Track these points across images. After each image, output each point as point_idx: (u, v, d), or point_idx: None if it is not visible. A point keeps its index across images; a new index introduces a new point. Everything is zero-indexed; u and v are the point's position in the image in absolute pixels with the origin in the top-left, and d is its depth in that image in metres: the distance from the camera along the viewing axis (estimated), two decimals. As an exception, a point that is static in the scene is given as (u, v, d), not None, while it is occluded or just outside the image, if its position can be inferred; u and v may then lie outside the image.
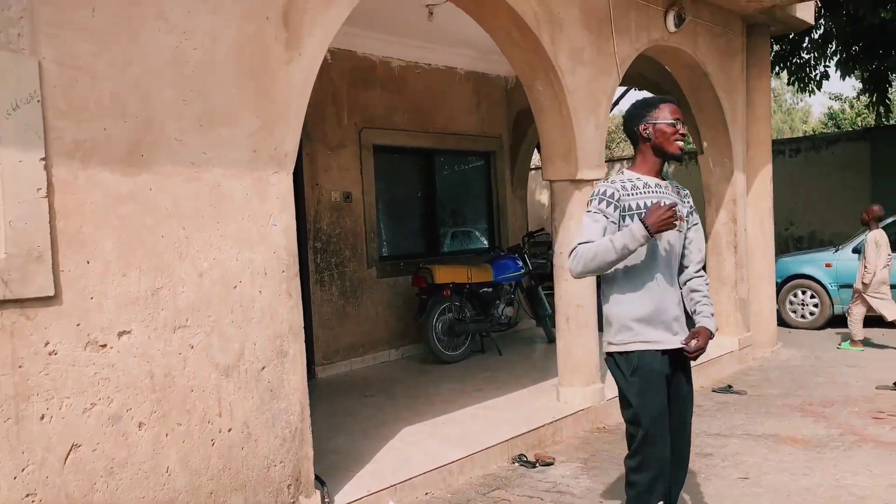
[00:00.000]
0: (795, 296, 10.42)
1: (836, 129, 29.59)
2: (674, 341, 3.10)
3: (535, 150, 10.82)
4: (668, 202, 3.03)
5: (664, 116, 3.10)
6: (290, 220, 3.87)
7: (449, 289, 7.74)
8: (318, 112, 7.53)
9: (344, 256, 7.79)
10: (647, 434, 3.03)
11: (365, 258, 7.99)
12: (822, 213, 15.03)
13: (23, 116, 2.92)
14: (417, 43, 8.35)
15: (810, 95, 14.27)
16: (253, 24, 3.69)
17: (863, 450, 5.06)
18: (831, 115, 31.37)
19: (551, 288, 6.09)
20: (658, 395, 3.06)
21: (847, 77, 13.69)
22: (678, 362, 3.16)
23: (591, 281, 5.88)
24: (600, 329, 6.08)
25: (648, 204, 3.08)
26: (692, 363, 3.25)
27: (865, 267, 8.25)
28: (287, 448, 3.83)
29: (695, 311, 3.25)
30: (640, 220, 2.96)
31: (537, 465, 5.01)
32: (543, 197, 17.86)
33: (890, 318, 8.23)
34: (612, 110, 16.20)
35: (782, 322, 10.15)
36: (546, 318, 8.65)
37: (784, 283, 10.41)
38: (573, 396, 5.86)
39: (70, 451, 3.05)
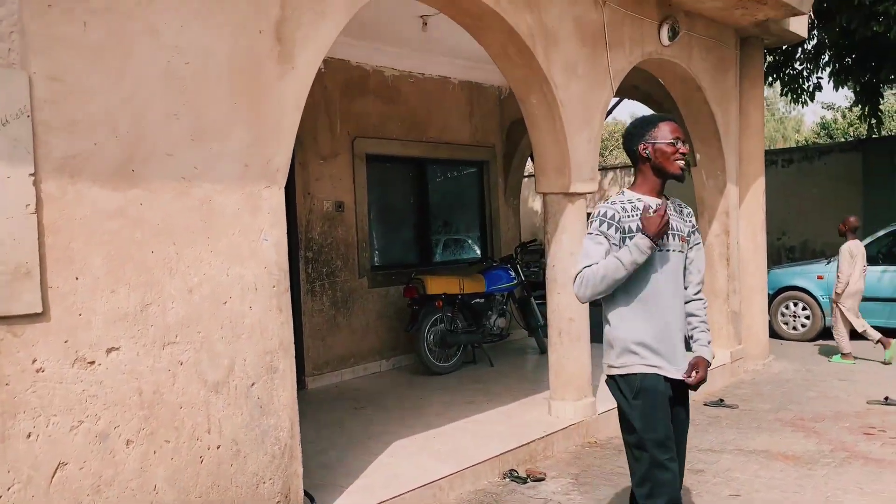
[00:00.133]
0: (787, 307, 10.43)
1: (828, 139, 29.74)
2: (674, 372, 3.02)
3: (529, 159, 10.81)
4: (652, 206, 3.00)
5: (664, 135, 3.05)
6: (281, 234, 3.85)
7: (441, 300, 7.72)
8: (310, 121, 7.51)
9: (335, 266, 7.76)
10: (654, 459, 2.94)
11: (356, 268, 7.96)
12: (815, 223, 15.08)
13: (12, 131, 2.90)
14: (411, 52, 8.34)
15: (803, 106, 14.32)
16: (246, 38, 3.68)
17: (854, 466, 5.06)
18: (824, 125, 31.53)
19: (544, 297, 6.07)
20: (663, 418, 2.98)
21: (840, 88, 13.75)
22: (676, 388, 3.09)
23: (583, 294, 5.86)
24: (593, 341, 6.13)
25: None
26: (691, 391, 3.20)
27: (838, 277, 8.39)
28: (276, 465, 3.80)
29: (692, 336, 3.18)
30: (640, 231, 2.94)
31: (528, 480, 4.99)
32: (537, 204, 17.88)
33: (859, 330, 8.43)
34: (605, 118, 16.19)
35: (774, 334, 10.15)
36: (538, 329, 8.64)
37: (776, 295, 10.42)
38: (565, 410, 5.84)
39: (57, 469, 3.02)
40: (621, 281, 2.95)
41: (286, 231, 3.90)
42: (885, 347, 8.49)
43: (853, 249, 8.36)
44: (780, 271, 10.73)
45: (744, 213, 8.39)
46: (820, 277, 10.19)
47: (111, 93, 3.20)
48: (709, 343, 3.16)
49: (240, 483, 3.64)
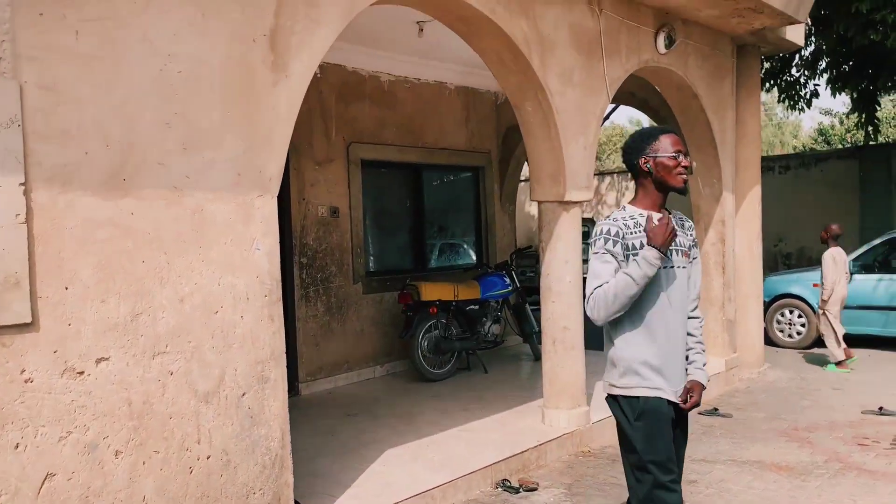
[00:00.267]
0: (783, 315, 10.43)
1: (826, 146, 29.78)
2: (672, 394, 2.97)
3: (526, 164, 10.80)
4: (655, 218, 2.94)
5: (665, 148, 2.97)
6: (273, 244, 3.84)
7: (435, 306, 7.70)
8: (306, 126, 7.50)
9: (330, 272, 7.74)
10: (657, 482, 2.90)
11: (351, 274, 7.94)
12: (812, 230, 15.04)
13: (2, 141, 2.88)
14: (407, 57, 8.32)
15: (800, 113, 14.34)
16: (239, 46, 3.66)
17: (847, 478, 5.05)
18: (821, 131, 31.57)
19: (539, 303, 6.05)
20: (666, 440, 2.93)
21: (837, 95, 13.76)
22: (676, 407, 3.03)
23: (577, 303, 5.86)
24: (587, 348, 6.12)
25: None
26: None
27: (823, 284, 8.50)
28: (267, 475, 3.78)
29: (687, 357, 3.10)
30: (648, 244, 2.86)
31: (521, 490, 4.97)
32: (534, 209, 17.86)
33: (828, 342, 8.57)
34: (601, 126, 16.18)
35: (770, 341, 10.16)
36: (533, 336, 8.63)
37: (772, 303, 10.43)
38: (558, 419, 5.83)
39: (45, 480, 3.00)
40: (635, 297, 2.87)
41: (279, 239, 3.89)
42: (839, 366, 8.55)
43: (836, 256, 8.47)
44: (775, 279, 10.73)
45: (740, 221, 8.39)
46: (816, 285, 10.15)
47: (103, 101, 3.18)
48: (704, 365, 3.12)
49: (230, 494, 3.62)
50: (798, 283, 10.39)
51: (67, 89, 3.08)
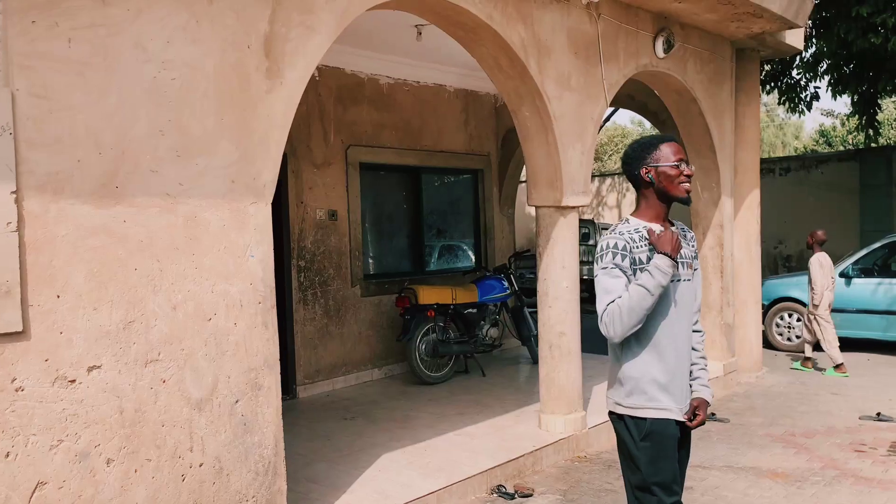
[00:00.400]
0: (782, 318, 10.41)
1: (827, 147, 29.75)
2: (677, 414, 2.89)
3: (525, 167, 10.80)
4: (656, 230, 2.88)
5: (666, 157, 2.88)
6: (267, 251, 3.83)
7: (433, 309, 7.70)
8: (304, 129, 7.50)
9: (328, 275, 7.74)
10: (660, 503, 2.85)
11: (349, 277, 7.94)
12: (812, 232, 15.06)
13: (-7, 149, 2.87)
14: (406, 60, 8.32)
15: (800, 116, 14.32)
16: (233, 53, 3.66)
17: (843, 486, 5.03)
18: (823, 133, 31.54)
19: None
20: (671, 461, 2.86)
21: (838, 97, 13.75)
22: (681, 426, 2.96)
23: (573, 307, 5.85)
24: (584, 352, 6.11)
25: None
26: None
27: (813, 289, 8.52)
28: (260, 482, 3.78)
29: (691, 373, 3.02)
30: (657, 252, 2.79)
31: (516, 496, 4.96)
32: (533, 209, 17.84)
33: (811, 340, 8.68)
34: (599, 129, 16.14)
35: (769, 345, 10.16)
36: (531, 339, 8.62)
37: (770, 306, 10.41)
38: (555, 424, 5.82)
39: (35, 489, 3.00)
40: (650, 310, 2.77)
41: (277, 242, 3.88)
42: (837, 370, 8.57)
43: (822, 261, 8.52)
44: (774, 282, 10.71)
45: (738, 224, 8.38)
46: (814, 289, 10.17)
47: (95, 109, 3.18)
48: (708, 381, 3.06)
49: (223, 501, 3.61)
50: (797, 286, 10.37)
51: (60, 97, 3.07)
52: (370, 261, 8.46)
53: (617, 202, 21.12)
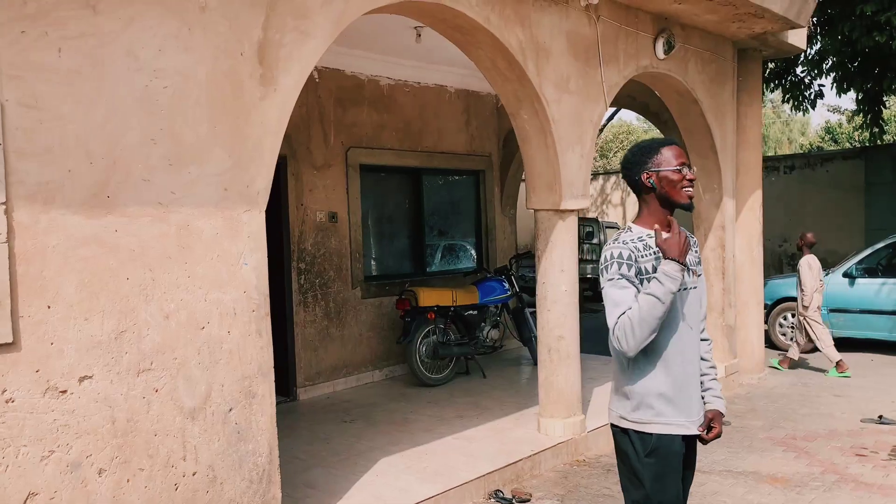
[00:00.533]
0: (785, 318, 10.37)
1: (833, 144, 29.64)
2: (691, 428, 2.79)
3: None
4: (663, 235, 2.74)
5: (668, 161, 2.77)
6: (261, 258, 3.82)
7: (433, 312, 7.68)
8: (304, 132, 7.49)
9: (328, 277, 7.73)
10: None
11: (350, 279, 7.93)
12: (816, 230, 14.94)
13: (-18, 160, 2.87)
14: (407, 61, 8.30)
15: (804, 114, 14.25)
16: (226, 60, 3.64)
17: (843, 491, 5.01)
18: (828, 129, 31.42)
19: (538, 305, 6.03)
20: (676, 479, 2.78)
21: (842, 95, 13.66)
22: (688, 441, 2.88)
23: (572, 311, 5.83)
24: (583, 352, 6.09)
25: None
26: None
27: (803, 291, 8.60)
28: (254, 490, 3.77)
29: (702, 384, 2.92)
30: (664, 257, 2.67)
31: (514, 501, 4.95)
32: (537, 209, 17.77)
33: (822, 348, 8.62)
34: (601, 132, 16.03)
35: (772, 345, 10.12)
36: (532, 340, 8.59)
37: (774, 306, 10.37)
38: (554, 428, 5.80)
39: (26, 500, 2.99)
40: (662, 319, 2.63)
41: (266, 252, 3.87)
42: (839, 369, 8.58)
43: (811, 264, 8.62)
44: (778, 282, 10.67)
45: (740, 225, 8.34)
46: (818, 289, 10.12)
47: (86, 118, 3.17)
48: (720, 391, 2.98)
49: (216, 510, 3.61)
50: (801, 286, 10.32)
51: (50, 107, 3.06)
52: (371, 263, 8.45)
53: (621, 200, 21.07)
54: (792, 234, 15.06)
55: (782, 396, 7.71)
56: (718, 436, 2.86)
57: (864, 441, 6.09)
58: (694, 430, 2.80)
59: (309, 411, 6.99)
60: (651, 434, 2.76)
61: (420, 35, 7.04)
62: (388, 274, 8.59)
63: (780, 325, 10.41)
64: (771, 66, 13.66)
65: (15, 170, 2.96)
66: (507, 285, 8.51)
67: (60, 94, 3.09)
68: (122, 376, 3.28)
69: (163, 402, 3.42)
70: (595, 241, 18.14)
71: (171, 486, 3.45)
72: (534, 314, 8.16)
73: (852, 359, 9.31)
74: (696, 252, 2.91)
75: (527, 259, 9.84)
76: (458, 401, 7.13)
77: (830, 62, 13.44)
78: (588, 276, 16.08)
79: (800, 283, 8.68)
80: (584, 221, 17.87)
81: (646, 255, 2.75)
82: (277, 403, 7.03)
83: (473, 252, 9.82)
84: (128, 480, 3.30)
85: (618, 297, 2.69)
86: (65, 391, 3.10)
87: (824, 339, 8.58)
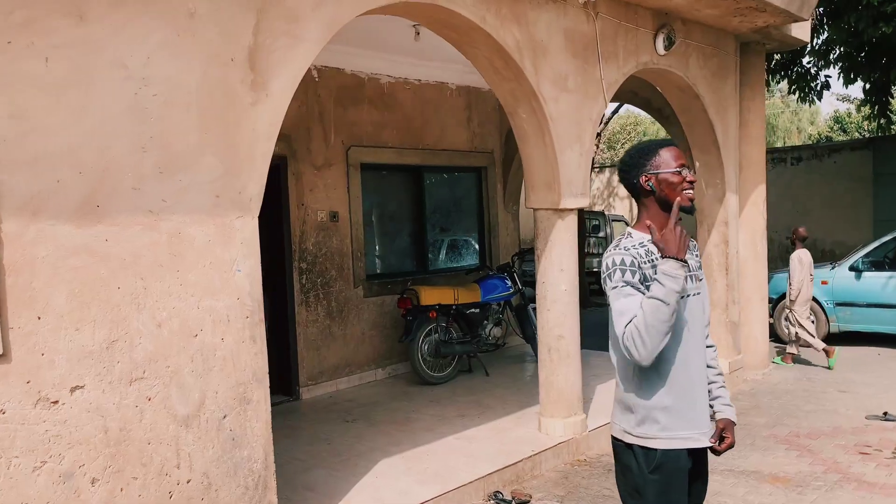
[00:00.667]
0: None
1: (842, 133, 29.43)
2: (702, 440, 2.68)
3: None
4: (670, 226, 2.59)
5: (667, 163, 2.66)
6: (255, 264, 3.81)
7: (434, 310, 7.67)
8: (304, 131, 7.47)
9: (330, 276, 7.73)
10: None
11: (352, 278, 7.92)
12: (824, 221, 14.94)
13: (-30, 173, 2.86)
14: (407, 59, 8.26)
15: (810, 105, 14.14)
16: (217, 67, 3.63)
17: (845, 491, 4.98)
18: (837, 119, 31.21)
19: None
20: (681, 494, 2.67)
21: (849, 85, 13.57)
22: (698, 453, 2.76)
23: (572, 310, 5.81)
24: (584, 347, 6.06)
25: None
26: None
27: (791, 285, 8.77)
28: (250, 497, 3.77)
29: (710, 392, 2.81)
30: (662, 256, 2.55)
31: (513, 502, 4.94)
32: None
33: (804, 337, 8.76)
34: (606, 125, 15.97)
35: (778, 339, 10.06)
36: (535, 337, 8.54)
37: (780, 300, 10.30)
38: (554, 428, 5.79)
39: (19, 510, 3.00)
40: (670, 322, 2.49)
41: (260, 258, 3.86)
42: (828, 356, 8.68)
43: (802, 258, 8.75)
44: (783, 275, 10.59)
45: (743, 221, 8.28)
46: (824, 283, 10.06)
47: (75, 128, 3.16)
48: (729, 398, 2.87)
49: (211, 517, 3.61)
50: (806, 280, 10.26)
51: (37, 117, 3.05)
52: (373, 261, 8.43)
53: (628, 193, 20.96)
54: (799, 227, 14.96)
55: (786, 392, 7.66)
56: (731, 446, 2.75)
57: (868, 438, 6.05)
58: (705, 443, 2.69)
59: (311, 411, 6.99)
60: (656, 450, 2.65)
61: (419, 33, 7.01)
62: (391, 272, 8.58)
63: (787, 319, 10.34)
64: (777, 57, 13.56)
65: (2, 181, 2.95)
66: (509, 282, 8.48)
67: (48, 104, 3.09)
68: (114, 386, 3.28)
69: (156, 410, 3.42)
70: (601, 234, 18.08)
71: (166, 494, 3.45)
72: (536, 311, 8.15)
73: (860, 353, 9.27)
74: (696, 256, 2.81)
75: (530, 255, 9.80)
76: (460, 399, 7.12)
77: (837, 52, 13.33)
78: (595, 269, 16.04)
79: (790, 277, 8.83)
80: (590, 214, 17.82)
81: (648, 261, 2.64)
82: (280, 403, 7.15)
83: (477, 249, 9.79)
84: (121, 489, 3.30)
85: (622, 307, 2.58)
86: (56, 402, 3.11)
87: (809, 328, 8.75)
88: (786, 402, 7.31)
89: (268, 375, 3.89)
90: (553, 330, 5.77)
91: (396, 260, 8.77)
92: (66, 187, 3.13)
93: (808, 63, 13.90)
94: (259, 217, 3.84)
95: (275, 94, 3.87)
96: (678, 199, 2.66)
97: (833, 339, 9.96)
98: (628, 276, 2.59)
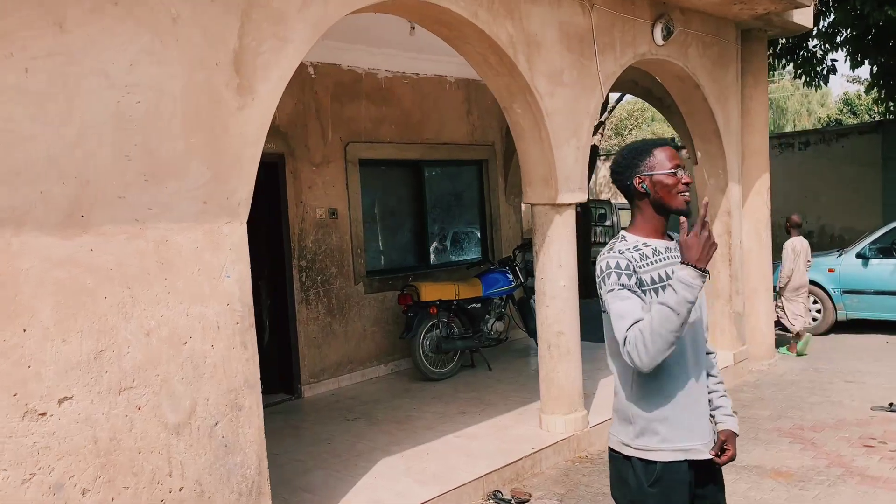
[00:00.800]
0: (797, 300, 10.22)
1: (851, 116, 29.15)
2: (703, 451, 2.57)
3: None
4: (696, 230, 2.43)
5: (661, 164, 2.57)
6: (244, 270, 3.78)
7: (435, 306, 7.64)
8: (301, 128, 7.44)
9: (330, 273, 7.71)
10: None
11: (352, 274, 7.90)
12: (833, 206, 14.83)
13: (-50, 187, 2.84)
14: (404, 53, 8.19)
15: (816, 90, 13.99)
16: (201, 72, 3.59)
17: (847, 485, 4.93)
18: (847, 101, 30.91)
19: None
20: None
21: (856, 68, 13.42)
22: (703, 463, 2.62)
23: (572, 306, 5.77)
24: (584, 339, 6.02)
25: (669, 274, 2.54)
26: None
27: (782, 272, 8.93)
28: (244, 503, 3.76)
29: (710, 401, 2.73)
30: (682, 263, 2.38)
31: (512, 501, 4.92)
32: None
33: (796, 327, 8.92)
34: (611, 113, 15.80)
35: (784, 328, 9.98)
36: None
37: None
38: (555, 424, 5.76)
39: (9, 523, 3.00)
40: (679, 333, 2.36)
41: (249, 263, 3.83)
42: (798, 339, 8.91)
43: (796, 246, 8.86)
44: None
45: (747, 211, 8.20)
46: (831, 270, 9.99)
47: (57, 139, 3.13)
48: (731, 408, 2.78)
49: (204, 524, 3.60)
50: (813, 268, 10.14)
51: (18, 129, 3.03)
52: (373, 257, 8.39)
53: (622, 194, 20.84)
54: (807, 212, 14.84)
55: (791, 384, 7.60)
56: (732, 458, 2.64)
57: (872, 431, 5.99)
58: (705, 454, 2.58)
59: (312, 409, 6.99)
60: (656, 462, 2.55)
61: (413, 28, 6.94)
62: (391, 268, 8.55)
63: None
64: (782, 41, 13.42)
65: (-16, 194, 2.94)
66: (511, 276, 8.43)
67: (29, 114, 3.06)
68: (103, 396, 3.26)
69: (146, 419, 3.40)
70: (608, 223, 18.00)
71: (158, 502, 3.44)
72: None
73: (868, 341, 9.21)
74: None
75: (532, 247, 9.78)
76: (461, 396, 7.10)
77: (844, 35, 13.18)
78: (596, 266, 15.94)
79: (781, 263, 8.97)
80: (596, 203, 17.74)
81: (644, 266, 2.54)
82: (281, 402, 7.14)
83: (478, 242, 9.74)
84: (113, 499, 3.29)
85: (621, 310, 2.48)
86: (44, 413, 3.09)
87: (793, 310, 8.90)
88: (790, 393, 7.25)
89: (260, 381, 3.87)
90: (552, 326, 5.74)
91: (397, 255, 8.74)
92: (49, 198, 3.11)
93: (815, 46, 13.75)
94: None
95: (262, 98, 3.83)
96: (705, 199, 2.57)
97: (840, 326, 9.91)
98: (624, 279, 2.50)
